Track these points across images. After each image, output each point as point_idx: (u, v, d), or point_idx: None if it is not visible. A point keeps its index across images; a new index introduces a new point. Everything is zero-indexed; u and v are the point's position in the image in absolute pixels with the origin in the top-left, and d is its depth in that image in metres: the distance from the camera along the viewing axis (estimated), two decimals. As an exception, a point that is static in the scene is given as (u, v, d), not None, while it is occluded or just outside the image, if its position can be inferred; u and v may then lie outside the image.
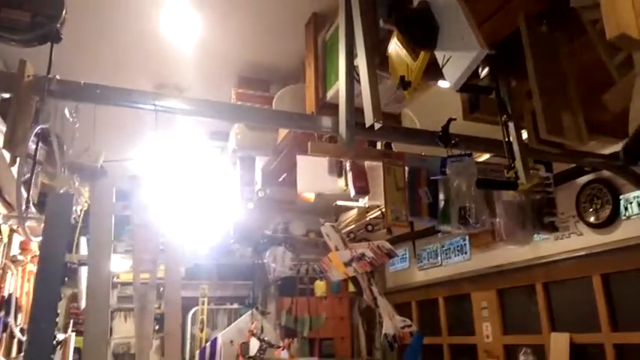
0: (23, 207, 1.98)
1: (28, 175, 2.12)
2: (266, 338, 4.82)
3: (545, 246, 3.72)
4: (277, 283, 5.88)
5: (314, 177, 2.57)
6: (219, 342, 4.93)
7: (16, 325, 3.10)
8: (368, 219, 5.13)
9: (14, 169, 1.88)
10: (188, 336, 5.52)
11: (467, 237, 4.67)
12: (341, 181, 2.59)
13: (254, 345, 4.80)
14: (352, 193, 2.53)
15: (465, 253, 4.69)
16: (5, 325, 2.97)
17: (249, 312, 5.25)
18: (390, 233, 4.40)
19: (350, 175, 2.49)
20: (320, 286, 5.74)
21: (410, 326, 4.55)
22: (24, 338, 3.12)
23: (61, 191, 1.91)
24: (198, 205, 4.02)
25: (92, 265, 1.84)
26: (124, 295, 5.19)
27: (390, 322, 4.52)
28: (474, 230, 2.34)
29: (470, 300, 4.59)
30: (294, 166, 2.91)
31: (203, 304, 5.50)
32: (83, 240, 4.24)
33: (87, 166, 1.92)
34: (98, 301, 1.78)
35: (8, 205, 2.52)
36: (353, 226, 5.38)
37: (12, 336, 3.11)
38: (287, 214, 5.84)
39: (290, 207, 5.13)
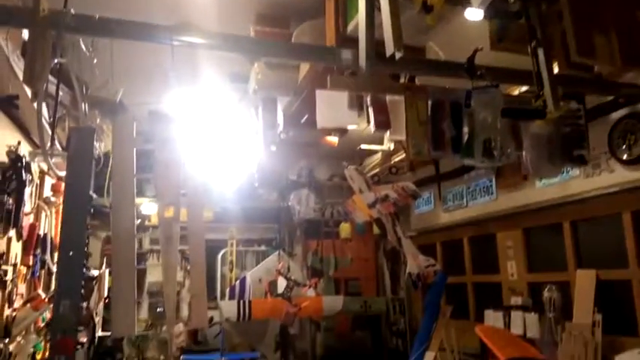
0: (48, 144, 2.03)
1: (52, 117, 2.15)
2: (293, 277, 4.96)
3: (575, 184, 3.63)
4: (302, 226, 5.99)
5: (334, 111, 2.53)
6: (248, 280, 5.11)
7: (53, 263, 3.27)
8: (392, 162, 5.09)
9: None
10: (219, 275, 5.73)
11: (493, 178, 4.60)
12: (361, 116, 2.55)
13: (281, 284, 4.96)
14: (373, 127, 2.49)
15: (492, 193, 4.63)
16: (43, 263, 3.13)
17: (276, 253, 5.40)
18: (413, 170, 4.35)
19: (371, 110, 2.44)
20: (345, 229, 5.81)
21: (434, 265, 4.60)
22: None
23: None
24: (220, 148, 4.05)
25: (116, 195, 1.88)
26: (156, 238, 5.38)
27: (414, 262, 4.58)
28: (499, 163, 2.29)
29: (495, 240, 4.59)
30: (315, 107, 2.87)
31: (231, 245, 5.67)
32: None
33: (106, 100, 1.93)
34: (123, 231, 1.84)
35: (37, 146, 2.59)
36: (377, 170, 5.35)
37: (49, 273, 3.29)
38: (311, 158, 5.84)
39: (313, 150, 5.13)
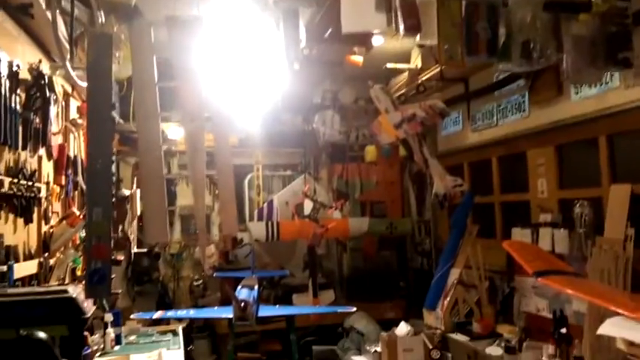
0: (68, 57, 1.99)
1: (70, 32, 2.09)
2: (319, 199, 5.01)
3: (613, 96, 3.44)
4: (327, 150, 5.95)
5: (360, 14, 2.39)
6: (275, 203, 5.20)
7: (85, 185, 3.35)
8: (419, 81, 4.91)
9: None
10: (246, 199, 5.84)
11: (526, 93, 4.39)
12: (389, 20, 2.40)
13: (308, 206, 5.02)
14: (402, 32, 2.35)
15: (524, 110, 4.45)
16: (75, 184, 3.20)
17: (302, 176, 5.42)
18: (443, 78, 4.15)
19: (399, 12, 2.29)
20: (371, 152, 5.75)
21: (461, 185, 4.56)
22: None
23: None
24: (243, 66, 3.93)
25: (139, 102, 1.85)
26: (184, 164, 5.43)
27: (441, 183, 4.54)
28: (537, 66, 2.16)
29: (525, 158, 4.47)
30: (339, 19, 2.72)
31: (257, 170, 5.72)
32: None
33: (120, 4, 1.85)
34: (148, 137, 1.83)
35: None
36: (403, 90, 5.19)
37: (82, 193, 3.37)
38: (335, 81, 5.69)
39: (338, 71, 4.97)
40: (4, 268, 2.07)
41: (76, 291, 1.74)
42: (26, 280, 2.31)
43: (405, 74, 5.25)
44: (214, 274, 5.17)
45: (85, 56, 2.33)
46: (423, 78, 4.77)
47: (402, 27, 2.32)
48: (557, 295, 3.74)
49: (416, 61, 4.94)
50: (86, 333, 1.97)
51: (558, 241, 3.77)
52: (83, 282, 2.53)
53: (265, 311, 3.91)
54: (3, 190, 2.10)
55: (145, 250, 4.65)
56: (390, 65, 4.88)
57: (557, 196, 4.12)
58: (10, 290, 1.93)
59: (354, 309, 4.30)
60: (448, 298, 4.31)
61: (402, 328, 4.17)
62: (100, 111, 1.62)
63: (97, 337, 2.77)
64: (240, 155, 5.44)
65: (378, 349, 4.21)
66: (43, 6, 2.02)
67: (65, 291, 1.68)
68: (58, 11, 1.91)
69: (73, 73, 2.06)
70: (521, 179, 4.53)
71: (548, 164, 4.23)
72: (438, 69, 4.25)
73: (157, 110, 1.90)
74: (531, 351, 3.45)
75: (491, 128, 4.86)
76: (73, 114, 3.25)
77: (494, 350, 3.69)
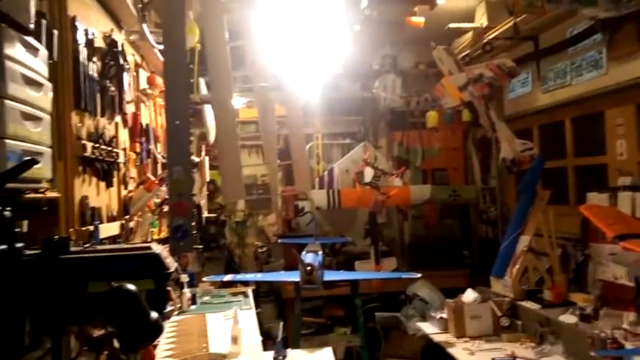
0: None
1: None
2: (380, 167, 4.95)
3: None
4: (387, 117, 5.85)
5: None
6: (336, 171, 5.19)
7: (157, 152, 3.48)
8: (485, 40, 4.67)
9: None
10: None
11: (604, 49, 4.08)
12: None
13: (368, 173, 4.98)
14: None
15: (601, 67, 4.14)
16: (148, 152, 3.33)
17: (362, 144, 5.37)
18: (516, 35, 3.92)
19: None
20: (432, 117, 5.59)
21: (530, 149, 4.35)
22: (164, 161, 3.54)
23: None
24: (302, 34, 3.89)
25: (212, 63, 1.86)
26: (246, 135, 5.52)
27: (509, 147, 4.35)
28: (626, 10, 1.98)
29: (602, 119, 4.18)
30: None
31: (317, 139, 5.72)
32: (202, 82, 4.46)
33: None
34: (222, 97, 1.85)
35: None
36: (468, 51, 4.97)
37: (155, 161, 3.51)
38: (395, 44, 5.53)
39: (398, 33, 4.82)
40: (91, 227, 2.21)
41: (159, 248, 1.81)
42: (110, 241, 2.45)
43: (469, 34, 5.02)
44: (278, 241, 5.28)
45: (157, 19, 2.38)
46: (490, 37, 4.53)
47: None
48: (636, 262, 3.52)
49: (481, 20, 4.70)
50: (169, 288, 2.06)
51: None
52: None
53: (331, 276, 3.95)
54: (86, 154, 2.21)
55: (214, 215, 4.81)
56: (453, 25, 4.67)
57: (637, 157, 3.85)
58: (100, 247, 2.03)
59: (419, 275, 4.26)
60: (517, 266, 4.18)
61: (469, 295, 4.10)
62: (176, 70, 1.65)
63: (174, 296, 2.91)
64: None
65: (444, 315, 4.16)
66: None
67: (149, 247, 1.75)
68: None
69: (149, 35, 2.11)
70: (596, 141, 4.25)
71: (628, 124, 3.94)
72: (509, 24, 4.01)
73: (229, 71, 1.92)
74: (609, 319, 3.29)
75: (564, 88, 4.57)
76: (143, 84, 3.35)
77: (568, 318, 3.56)
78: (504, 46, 4.86)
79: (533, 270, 4.24)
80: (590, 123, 4.34)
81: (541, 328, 3.73)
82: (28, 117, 1.60)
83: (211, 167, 4.97)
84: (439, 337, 4.03)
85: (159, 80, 3.44)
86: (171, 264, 1.91)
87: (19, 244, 1.34)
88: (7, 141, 1.49)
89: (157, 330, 1.56)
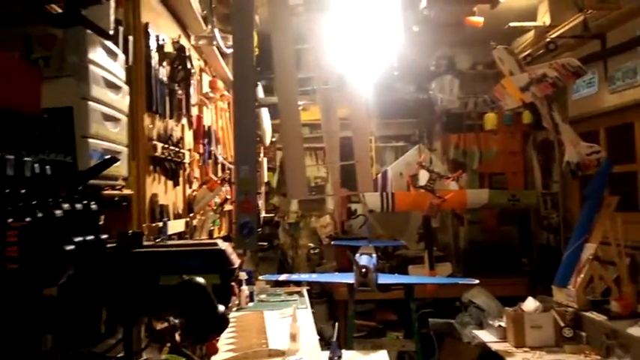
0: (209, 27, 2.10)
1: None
2: (435, 170, 4.87)
3: None
4: (442, 120, 5.75)
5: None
6: (389, 174, 5.15)
7: (219, 154, 3.59)
8: (549, 39, 4.50)
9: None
10: (359, 170, 5.85)
11: (681, 46, 3.84)
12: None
13: (423, 176, 4.91)
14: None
15: (676, 66, 3.90)
16: (210, 153, 3.44)
17: (416, 147, 5.30)
18: (586, 31, 3.75)
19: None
20: (490, 119, 5.43)
21: (597, 152, 4.16)
22: (225, 162, 3.66)
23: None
24: (362, 35, 3.89)
25: (279, 62, 1.89)
26: (305, 137, 5.57)
27: (574, 150, 4.18)
28: None
29: (678, 120, 3.93)
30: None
31: (370, 141, 5.69)
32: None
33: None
34: (286, 96, 1.88)
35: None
36: (529, 50, 4.81)
37: (216, 162, 3.62)
38: (452, 45, 5.43)
39: (456, 33, 4.73)
40: (160, 224, 2.31)
41: (224, 244, 1.87)
42: (176, 237, 2.55)
43: (530, 33, 4.85)
44: (332, 243, 5.30)
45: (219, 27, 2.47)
46: (554, 35, 4.36)
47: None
48: None
49: (544, 18, 4.54)
50: (233, 284, 2.12)
51: None
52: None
53: (385, 279, 3.93)
54: (157, 154, 2.32)
55: (269, 216, 4.90)
56: (514, 24, 4.53)
57: None
58: (170, 242, 2.11)
59: (477, 282, 4.15)
60: (582, 275, 3.99)
61: (530, 304, 3.95)
62: (244, 74, 1.70)
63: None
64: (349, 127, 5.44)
65: (502, 324, 4.04)
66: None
67: (216, 244, 1.81)
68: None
69: (220, 39, 2.19)
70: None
71: None
72: (575, 21, 3.86)
73: (294, 69, 1.95)
74: (687, 333, 3.09)
75: (635, 88, 4.33)
76: (205, 88, 3.47)
77: (637, 331, 3.36)
78: (568, 45, 4.67)
79: (598, 279, 4.03)
80: (664, 125, 4.09)
81: (608, 340, 3.54)
82: (108, 118, 1.70)
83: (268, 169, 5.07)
84: (497, 346, 3.91)
85: (220, 84, 3.55)
86: (236, 260, 1.97)
87: (104, 236, 1.42)
88: (91, 140, 1.59)
89: (224, 323, 1.61)
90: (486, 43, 4.45)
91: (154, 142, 2.31)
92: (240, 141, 1.74)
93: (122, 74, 1.84)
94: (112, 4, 1.77)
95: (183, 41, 2.81)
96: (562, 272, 4.10)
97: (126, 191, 1.98)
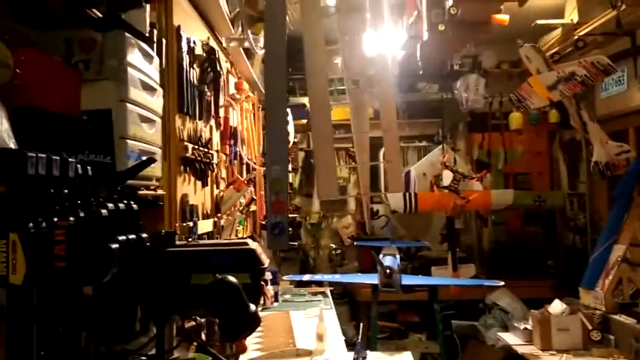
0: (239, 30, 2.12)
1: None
2: (459, 170, 4.83)
3: None
4: (466, 119, 5.69)
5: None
6: (413, 174, 5.12)
7: (244, 155, 3.62)
8: (577, 36, 4.42)
9: None
10: (382, 171, 5.83)
11: None
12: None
13: (447, 177, 4.87)
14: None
15: None
16: (236, 153, 3.47)
17: (440, 147, 5.26)
18: (620, 29, 3.68)
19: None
20: (516, 118, 5.36)
21: (627, 152, 4.08)
22: (250, 162, 3.69)
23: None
24: (388, 36, 3.88)
25: (310, 62, 1.89)
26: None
27: (603, 149, 4.10)
28: None
29: None
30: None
31: (393, 141, 5.67)
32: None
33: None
34: (318, 97, 1.89)
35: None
36: (557, 48, 4.72)
37: (241, 163, 3.65)
38: (477, 43, 5.37)
39: (483, 29, 4.67)
40: (191, 224, 2.34)
41: (254, 244, 1.88)
42: (206, 237, 2.58)
43: (557, 31, 4.77)
44: (354, 243, 5.30)
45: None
46: (582, 32, 4.28)
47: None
48: None
49: (571, 15, 4.46)
50: (262, 283, 2.14)
51: None
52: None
53: (409, 280, 3.91)
54: (187, 155, 2.35)
55: (291, 216, 4.92)
56: (541, 22, 4.47)
57: None
58: (201, 242, 2.14)
59: (502, 283, 4.11)
60: (610, 277, 3.91)
61: (557, 306, 3.89)
62: (276, 75, 1.71)
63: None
64: (375, 127, 5.42)
65: (528, 326, 3.98)
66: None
67: (246, 243, 1.83)
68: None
69: (252, 41, 2.21)
70: None
71: None
72: (605, 18, 3.79)
73: (327, 74, 1.96)
74: None
75: (666, 86, 4.24)
76: (231, 89, 3.51)
77: (669, 335, 3.29)
78: (596, 43, 4.57)
79: (627, 282, 3.95)
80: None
81: (637, 344, 3.47)
82: (144, 119, 1.73)
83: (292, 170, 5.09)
84: (523, 349, 3.86)
85: (245, 85, 3.58)
86: (266, 260, 1.99)
87: (144, 235, 1.44)
88: (129, 141, 1.62)
89: (255, 321, 1.63)
90: (511, 42, 4.39)
91: (185, 143, 2.35)
92: (272, 141, 1.76)
93: (157, 76, 1.87)
94: (148, 7, 1.80)
95: (212, 43, 2.85)
96: (590, 274, 4.03)
97: (159, 191, 2.01)
